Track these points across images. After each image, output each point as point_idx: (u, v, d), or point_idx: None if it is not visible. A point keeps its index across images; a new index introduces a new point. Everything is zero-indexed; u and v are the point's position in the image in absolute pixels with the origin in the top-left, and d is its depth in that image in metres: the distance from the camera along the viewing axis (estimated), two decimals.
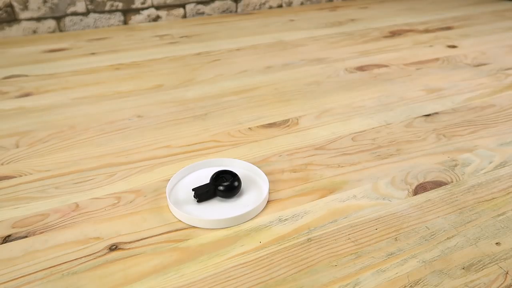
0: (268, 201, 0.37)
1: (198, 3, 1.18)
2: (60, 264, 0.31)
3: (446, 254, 0.30)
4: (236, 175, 0.37)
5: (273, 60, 0.75)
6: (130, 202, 0.37)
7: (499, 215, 0.34)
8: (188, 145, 0.47)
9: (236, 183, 0.36)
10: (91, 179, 0.41)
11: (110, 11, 1.08)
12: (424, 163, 0.42)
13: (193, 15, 1.19)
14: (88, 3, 1.05)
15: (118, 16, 1.10)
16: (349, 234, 0.33)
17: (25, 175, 0.42)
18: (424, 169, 0.41)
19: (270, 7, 1.29)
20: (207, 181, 0.37)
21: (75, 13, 1.05)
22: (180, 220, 0.35)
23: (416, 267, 0.29)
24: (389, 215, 0.35)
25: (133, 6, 1.11)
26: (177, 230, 0.34)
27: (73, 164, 0.44)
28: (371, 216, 0.35)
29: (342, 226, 0.33)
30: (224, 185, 0.36)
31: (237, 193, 0.37)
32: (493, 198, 0.36)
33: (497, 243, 0.31)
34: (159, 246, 0.32)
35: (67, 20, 1.05)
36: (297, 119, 0.52)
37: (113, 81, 0.68)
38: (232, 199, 0.37)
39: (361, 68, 0.70)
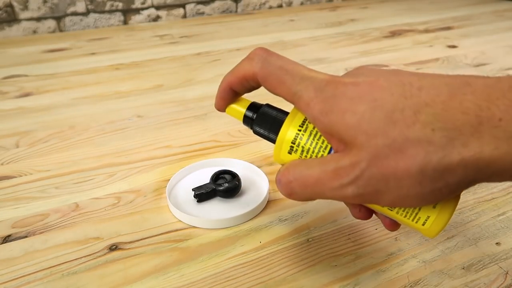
0: (268, 201, 0.37)
1: (198, 3, 1.18)
2: (60, 264, 0.31)
3: (446, 254, 0.30)
4: (236, 175, 0.37)
5: None
6: (130, 202, 0.37)
7: (499, 215, 0.34)
8: (188, 145, 0.47)
9: (236, 183, 0.36)
10: (91, 179, 0.41)
11: (110, 11, 1.08)
12: None
13: (193, 15, 1.19)
14: (88, 3, 1.05)
15: (118, 16, 1.10)
16: (349, 234, 0.33)
17: (25, 175, 0.42)
18: None
19: (270, 7, 1.29)
20: (207, 181, 0.37)
21: (75, 13, 1.05)
22: (180, 220, 0.35)
23: (416, 267, 0.29)
24: None
25: (133, 6, 1.11)
26: (177, 230, 0.34)
27: (73, 164, 0.44)
28: None
29: (342, 226, 0.33)
30: (224, 185, 0.36)
31: (237, 193, 0.37)
32: (493, 198, 0.36)
33: (497, 243, 0.31)
34: (159, 246, 0.32)
35: (67, 20, 1.05)
36: None
37: (113, 81, 0.68)
38: (232, 199, 0.37)
39: None
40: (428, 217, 0.22)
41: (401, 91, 0.19)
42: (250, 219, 0.35)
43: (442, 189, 0.19)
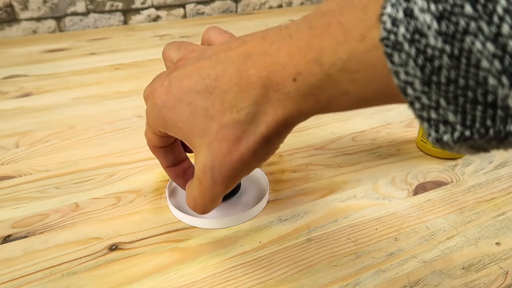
0: (268, 201, 0.37)
1: (198, 3, 1.18)
2: (60, 264, 0.31)
3: (446, 254, 0.30)
4: None
5: None
6: (130, 202, 0.37)
7: (499, 215, 0.34)
8: None
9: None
10: (91, 179, 0.41)
11: (110, 11, 1.08)
12: (424, 163, 0.42)
13: (193, 15, 1.19)
14: (88, 3, 1.05)
15: (118, 16, 1.10)
16: (349, 234, 0.33)
17: (25, 175, 0.42)
18: (424, 169, 0.41)
19: (270, 7, 1.29)
20: None
21: (75, 13, 1.05)
22: (180, 220, 0.35)
23: (416, 267, 0.29)
24: (389, 215, 0.35)
25: (133, 6, 1.11)
26: (177, 230, 0.34)
27: (73, 164, 0.44)
28: (371, 216, 0.35)
29: (342, 226, 0.33)
30: None
31: (237, 193, 0.37)
32: (493, 198, 0.36)
33: (497, 243, 0.31)
34: (159, 246, 0.32)
35: (67, 20, 1.05)
36: None
37: (113, 81, 0.68)
38: (232, 199, 0.37)
39: None
40: None
41: (204, 87, 0.22)
42: (250, 219, 0.35)
43: (275, 147, 0.23)
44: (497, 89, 0.14)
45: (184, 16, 1.18)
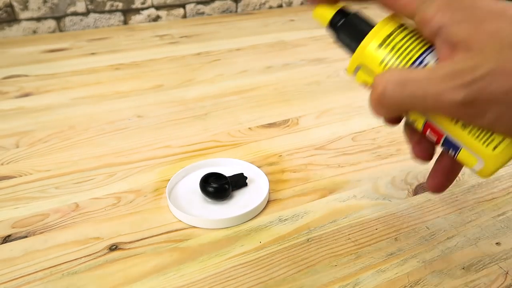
0: (268, 201, 0.37)
1: (198, 3, 1.18)
2: (60, 264, 0.31)
3: (446, 254, 0.30)
4: (225, 177, 0.36)
5: (273, 60, 0.75)
6: (130, 202, 0.37)
7: (499, 215, 0.34)
8: (188, 145, 0.47)
9: (226, 186, 0.36)
10: (91, 179, 0.41)
11: (110, 11, 1.08)
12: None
13: (193, 15, 1.19)
14: (88, 3, 1.05)
15: (118, 16, 1.10)
16: (349, 234, 0.33)
17: (25, 175, 0.42)
18: (424, 169, 0.41)
19: (270, 7, 1.29)
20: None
21: (75, 13, 1.05)
22: (180, 220, 0.35)
23: (416, 267, 0.29)
24: (389, 215, 0.35)
25: (133, 6, 1.11)
26: (177, 230, 0.34)
27: (73, 164, 0.44)
28: (371, 216, 0.35)
29: (342, 226, 0.33)
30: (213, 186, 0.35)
31: (228, 195, 0.36)
32: (493, 198, 0.36)
33: (497, 243, 0.31)
34: (159, 246, 0.32)
35: (67, 20, 1.05)
36: (297, 119, 0.52)
37: (113, 81, 0.68)
38: (232, 199, 0.37)
39: None
40: (503, 139, 0.21)
41: None
42: (250, 219, 0.35)
43: None
44: None
45: (184, 16, 1.18)
